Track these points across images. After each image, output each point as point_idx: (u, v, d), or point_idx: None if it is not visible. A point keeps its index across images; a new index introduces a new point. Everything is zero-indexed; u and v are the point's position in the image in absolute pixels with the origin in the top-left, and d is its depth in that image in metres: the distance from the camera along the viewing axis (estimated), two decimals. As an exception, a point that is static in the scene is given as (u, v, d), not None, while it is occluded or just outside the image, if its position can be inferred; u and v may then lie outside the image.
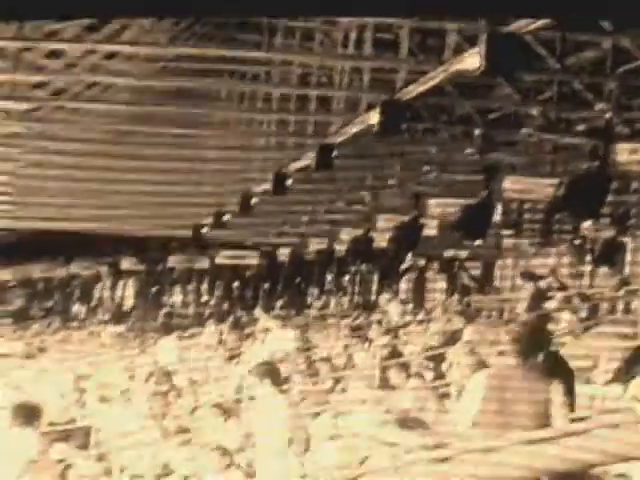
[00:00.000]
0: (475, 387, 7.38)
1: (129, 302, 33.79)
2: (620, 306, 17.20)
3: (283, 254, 21.97)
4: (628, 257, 20.69)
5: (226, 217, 23.60)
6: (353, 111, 16.86)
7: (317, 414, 11.44)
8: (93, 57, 16.41)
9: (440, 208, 18.28)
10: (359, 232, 20.90)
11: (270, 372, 10.32)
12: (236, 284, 29.61)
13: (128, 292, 34.76)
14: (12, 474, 9.23)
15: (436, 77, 14.18)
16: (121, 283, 35.04)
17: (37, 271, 34.71)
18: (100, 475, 10.78)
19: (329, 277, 23.46)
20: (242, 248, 25.36)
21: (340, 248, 21.75)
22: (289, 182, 19.06)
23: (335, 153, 17.17)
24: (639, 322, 14.51)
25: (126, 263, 32.62)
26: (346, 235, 21.18)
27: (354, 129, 16.84)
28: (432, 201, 18.60)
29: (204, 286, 32.35)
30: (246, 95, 19.14)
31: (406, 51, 14.85)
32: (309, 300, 23.26)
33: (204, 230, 25.64)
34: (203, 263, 28.75)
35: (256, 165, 20.51)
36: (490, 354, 12.64)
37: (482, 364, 11.49)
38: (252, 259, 24.01)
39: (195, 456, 10.53)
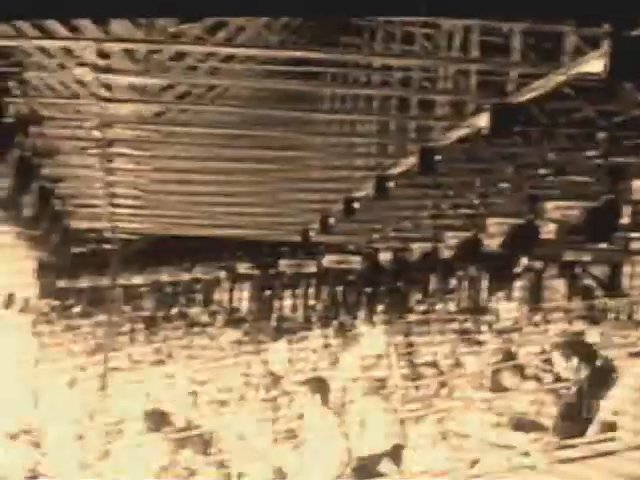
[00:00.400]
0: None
1: (244, 306, 32.87)
2: None
3: (385, 258, 20.46)
4: None
5: (330, 221, 22.33)
6: (458, 115, 15.19)
7: (421, 418, 10.15)
8: (213, 59, 15.19)
9: (559, 211, 16.48)
10: (467, 235, 19.22)
11: (320, 389, 9.37)
12: (340, 288, 28.30)
13: (244, 296, 33.89)
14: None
15: (554, 80, 12.51)
16: (237, 287, 34.16)
17: (165, 276, 34.01)
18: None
19: (434, 280, 21.83)
20: (345, 252, 23.99)
21: (446, 251, 20.06)
22: (390, 185, 17.48)
23: (439, 157, 15.54)
24: None
25: (242, 267, 31.71)
26: (453, 238, 19.53)
27: (460, 132, 15.20)
28: (550, 204, 16.80)
29: (311, 290, 31.12)
30: (348, 98, 17.68)
31: (518, 54, 13.17)
32: (412, 303, 21.70)
33: (311, 234, 24.47)
34: (311, 267, 27.53)
35: (358, 169, 19.01)
36: (618, 357, 11.05)
37: (610, 367, 9.94)
38: (355, 263, 22.61)
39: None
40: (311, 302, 30.69)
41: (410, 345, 15.76)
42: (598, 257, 20.37)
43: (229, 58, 15.25)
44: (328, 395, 9.40)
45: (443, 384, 12.19)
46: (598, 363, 9.65)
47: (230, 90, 16.61)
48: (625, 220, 17.02)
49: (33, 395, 17.79)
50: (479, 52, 14.00)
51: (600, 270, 21.59)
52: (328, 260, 25.36)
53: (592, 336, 12.14)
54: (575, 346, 9.82)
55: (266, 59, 15.29)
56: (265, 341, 21.42)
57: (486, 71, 14.73)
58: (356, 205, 19.77)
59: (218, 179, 20.06)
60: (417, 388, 12.17)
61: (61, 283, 28.85)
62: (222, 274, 33.21)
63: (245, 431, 11.97)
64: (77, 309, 31.04)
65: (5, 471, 10.22)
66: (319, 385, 9.36)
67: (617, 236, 17.71)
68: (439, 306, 21.01)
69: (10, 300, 16.65)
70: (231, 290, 33.46)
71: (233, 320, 28.37)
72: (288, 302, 31.88)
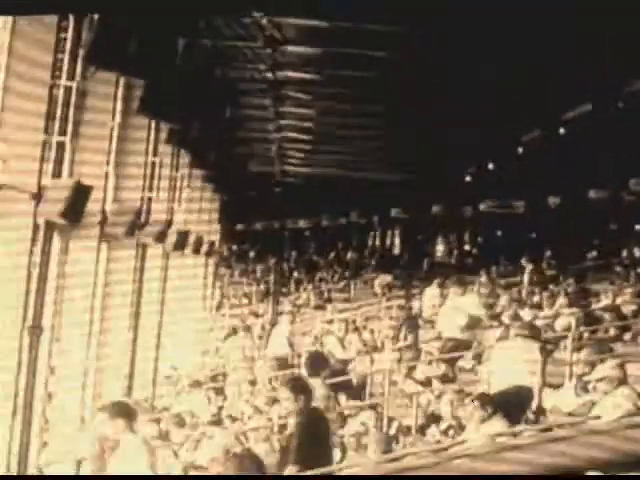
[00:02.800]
0: None
1: (396, 251, 32.68)
2: None
3: (554, 203, 19.77)
4: None
5: (491, 166, 21.82)
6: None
7: (602, 361, 9.81)
8: None
9: None
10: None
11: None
12: (499, 233, 27.69)
13: (396, 241, 33.70)
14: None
15: None
16: (389, 232, 33.98)
17: (325, 220, 34.22)
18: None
19: (613, 227, 20.89)
20: (506, 197, 23.43)
21: (629, 197, 19.10)
22: (561, 131, 16.84)
23: (618, 104, 14.78)
24: None
25: (394, 211, 31.44)
26: (636, 185, 18.59)
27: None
28: None
29: (466, 236, 30.61)
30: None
31: None
32: (585, 249, 20.94)
33: (467, 179, 23.96)
34: (466, 211, 27.03)
35: (525, 112, 18.36)
36: None
37: None
38: (518, 208, 22.00)
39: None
40: (467, 247, 30.23)
41: (584, 290, 15.28)
42: None
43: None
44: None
45: (625, 328, 11.76)
46: None
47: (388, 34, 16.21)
48: None
49: (213, 342, 18.17)
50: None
51: None
52: (487, 204, 24.84)
53: None
54: None
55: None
56: (418, 286, 21.23)
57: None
58: (521, 150, 19.23)
59: (380, 122, 19.87)
60: (594, 332, 11.77)
61: (239, 227, 29.37)
62: (375, 218, 33.12)
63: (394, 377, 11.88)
64: (252, 253, 31.59)
65: (189, 417, 10.45)
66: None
67: None
68: (618, 252, 20.17)
69: (198, 245, 17.02)
70: (383, 234, 33.36)
71: (385, 264, 28.32)
72: (442, 247, 31.52)
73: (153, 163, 13.68)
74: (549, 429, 6.89)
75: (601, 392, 8.50)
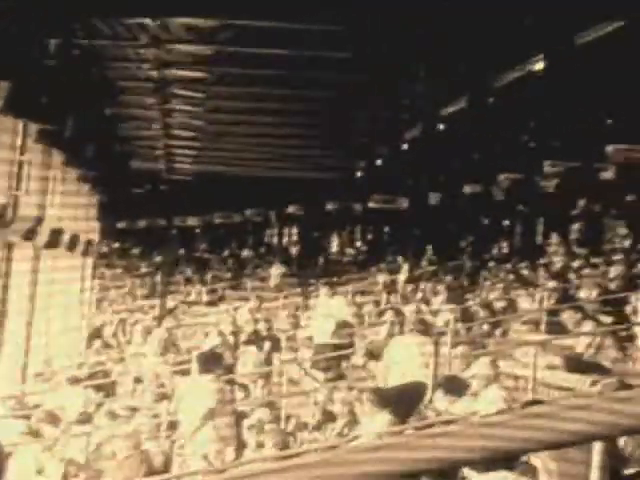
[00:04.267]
0: None
1: (293, 248, 32.61)
2: None
3: (434, 198, 20.02)
4: None
5: (377, 162, 21.95)
6: (513, 57, 14.63)
7: (476, 358, 9.84)
8: None
9: (621, 154, 15.77)
10: (520, 176, 18.63)
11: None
12: (387, 229, 27.85)
13: (292, 238, 33.62)
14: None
15: (610, 24, 11.96)
16: (286, 229, 33.89)
17: (217, 218, 33.85)
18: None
19: (486, 222, 21.32)
20: (393, 193, 23.59)
21: (498, 192, 19.48)
22: (441, 127, 17.00)
23: (493, 98, 15.04)
24: None
25: (291, 209, 31.39)
26: (505, 179, 18.91)
27: (516, 74, 14.67)
28: (611, 147, 16.08)
29: (357, 232, 30.73)
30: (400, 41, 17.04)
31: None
32: (462, 245, 21.25)
33: (358, 175, 24.06)
34: (356, 208, 27.11)
35: (408, 110, 18.51)
36: None
37: None
38: (402, 203, 22.18)
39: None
40: (358, 244, 30.32)
41: (461, 286, 15.44)
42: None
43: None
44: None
45: (496, 324, 11.87)
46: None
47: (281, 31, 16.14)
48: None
49: (94, 339, 17.78)
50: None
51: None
52: (374, 201, 24.94)
53: None
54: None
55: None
56: (314, 284, 21.18)
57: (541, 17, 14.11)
58: (405, 147, 19.40)
59: (271, 120, 19.74)
60: (469, 330, 11.86)
61: (121, 225, 28.82)
62: (271, 215, 32.96)
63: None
64: (136, 251, 31.01)
65: (63, 412, 10.17)
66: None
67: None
68: (491, 247, 20.57)
69: (73, 242, 16.55)
70: (280, 231, 33.23)
71: (282, 261, 28.20)
72: (335, 243, 31.56)
73: (21, 162, 13.24)
74: (432, 425, 6.84)
75: (476, 389, 8.51)
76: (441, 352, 9.77)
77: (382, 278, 18.97)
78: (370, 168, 22.78)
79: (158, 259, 26.76)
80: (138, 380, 13.02)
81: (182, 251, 30.15)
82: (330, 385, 10.44)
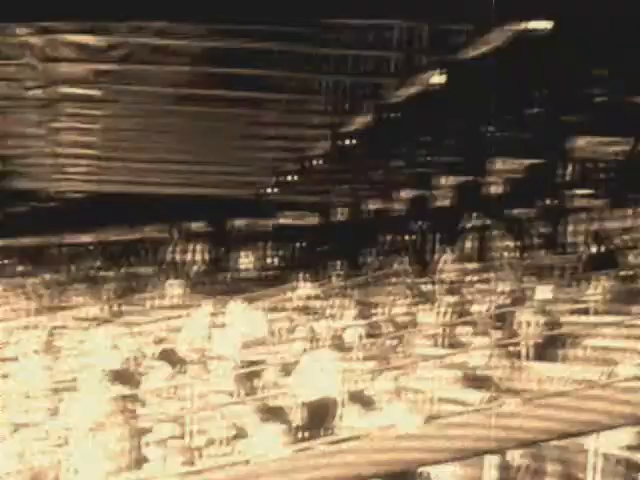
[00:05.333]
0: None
1: (198, 264, 33.24)
2: None
3: (341, 214, 21.14)
4: None
5: (286, 179, 22.89)
6: (411, 72, 15.81)
7: (379, 373, 10.77)
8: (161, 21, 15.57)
9: (506, 167, 17.19)
10: (419, 192, 19.92)
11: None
12: (297, 245, 28.88)
13: (197, 255, 34.22)
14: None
15: (498, 37, 13.18)
16: (191, 246, 34.49)
17: (113, 235, 34.24)
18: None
19: (388, 237, 22.56)
20: (301, 209, 24.64)
21: (399, 208, 20.76)
22: (347, 143, 18.12)
23: (394, 114, 16.19)
24: None
25: (195, 226, 32.07)
26: (406, 195, 20.19)
27: (413, 89, 15.84)
28: (497, 160, 17.49)
29: (268, 248, 31.65)
30: (301, 58, 18.16)
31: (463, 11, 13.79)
32: (369, 260, 22.42)
33: (266, 191, 24.92)
34: (266, 225, 28.03)
35: (314, 127, 19.57)
36: (563, 312, 11.79)
37: (555, 323, 10.68)
38: (312, 220, 23.26)
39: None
40: (268, 260, 31.22)
41: (368, 302, 16.41)
42: (543, 213, 21.14)
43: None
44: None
45: (400, 339, 12.80)
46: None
47: (178, 49, 16.98)
48: (568, 176, 17.83)
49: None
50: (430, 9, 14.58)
51: (544, 226, 22.35)
52: (284, 217, 25.88)
53: (542, 293, 12.83)
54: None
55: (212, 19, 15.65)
56: (220, 299, 21.83)
57: (436, 28, 15.31)
58: (312, 162, 20.39)
59: (169, 138, 20.49)
60: (375, 344, 12.75)
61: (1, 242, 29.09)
62: (173, 232, 33.56)
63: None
64: (20, 268, 31.23)
65: None
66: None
67: (560, 192, 18.42)
68: (393, 263, 21.79)
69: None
70: (183, 248, 33.85)
71: (185, 278, 28.84)
72: (244, 260, 32.32)
73: None
74: (342, 440, 7.48)
75: (382, 403, 9.20)
76: (350, 367, 10.52)
77: (293, 294, 19.85)
78: (279, 185, 23.75)
79: (47, 276, 27.16)
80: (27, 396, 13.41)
81: (73, 268, 30.56)
82: (241, 401, 10.94)
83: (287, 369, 12.01)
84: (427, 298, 15.16)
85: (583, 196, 20.04)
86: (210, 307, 17.01)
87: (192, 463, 9.11)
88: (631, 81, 16.42)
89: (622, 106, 17.26)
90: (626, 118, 17.30)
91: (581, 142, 16.14)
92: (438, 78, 14.11)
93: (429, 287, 16.51)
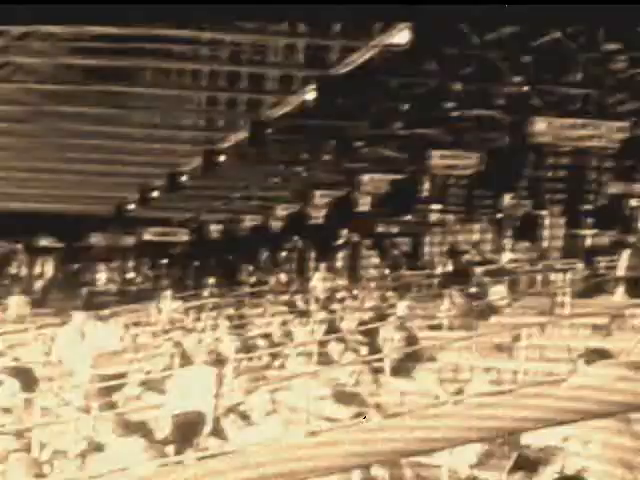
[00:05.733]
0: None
1: (46, 280, 33.13)
2: (538, 280, 17.45)
3: (215, 231, 21.86)
4: (545, 231, 21.01)
5: (154, 194, 23.35)
6: (287, 88, 16.73)
7: (254, 389, 11.33)
8: (4, 38, 16.00)
9: (372, 184, 18.30)
10: (295, 208, 20.79)
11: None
12: (164, 261, 29.32)
13: (46, 270, 34.10)
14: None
15: (367, 52, 14.14)
16: (39, 261, 34.37)
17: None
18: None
19: (265, 253, 23.39)
20: (171, 225, 25.16)
21: (276, 224, 21.62)
22: (221, 159, 18.89)
23: (269, 130, 17.04)
24: (558, 298, 14.69)
25: (44, 241, 31.97)
26: (282, 211, 21.06)
27: (288, 106, 16.75)
28: (365, 177, 18.59)
29: (129, 264, 31.93)
30: (173, 73, 18.88)
31: (338, 28, 14.79)
32: (243, 276, 23.17)
33: (130, 207, 25.30)
34: (128, 240, 28.32)
35: (185, 143, 20.29)
36: (421, 328, 12.79)
37: (413, 339, 11.62)
38: (182, 236, 23.84)
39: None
40: (129, 276, 31.47)
41: (242, 317, 17.12)
42: (403, 229, 22.34)
43: (25, 35, 16.04)
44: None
45: (275, 356, 13.54)
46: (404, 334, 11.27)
47: (26, 67, 17.32)
48: (425, 192, 19.10)
49: None
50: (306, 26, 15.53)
51: (404, 242, 23.62)
52: (150, 233, 26.28)
53: (402, 309, 13.81)
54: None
55: (72, 36, 16.16)
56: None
57: (310, 45, 16.28)
58: (183, 178, 21.00)
59: (23, 155, 20.74)
60: (250, 360, 13.42)
61: None
62: (19, 248, 33.40)
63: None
64: None
65: None
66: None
67: (419, 208, 19.59)
68: (270, 278, 22.60)
69: None
70: (30, 264, 33.71)
71: (31, 293, 28.89)
72: (102, 275, 32.40)
73: None
74: (213, 455, 7.96)
75: (256, 419, 9.84)
76: (224, 382, 11.12)
77: (160, 308, 20.31)
78: (145, 200, 24.18)
79: None
80: None
81: None
82: (96, 415, 10.90)
83: (150, 383, 12.49)
84: (301, 313, 16.00)
85: (440, 211, 21.36)
86: (63, 320, 17.22)
87: (41, 476, 9.17)
88: (483, 96, 17.79)
89: (476, 121, 18.66)
90: (479, 133, 18.72)
91: (437, 157, 17.35)
92: (311, 94, 14.95)
93: (303, 303, 17.37)
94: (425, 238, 24.03)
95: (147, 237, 26.72)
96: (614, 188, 19.80)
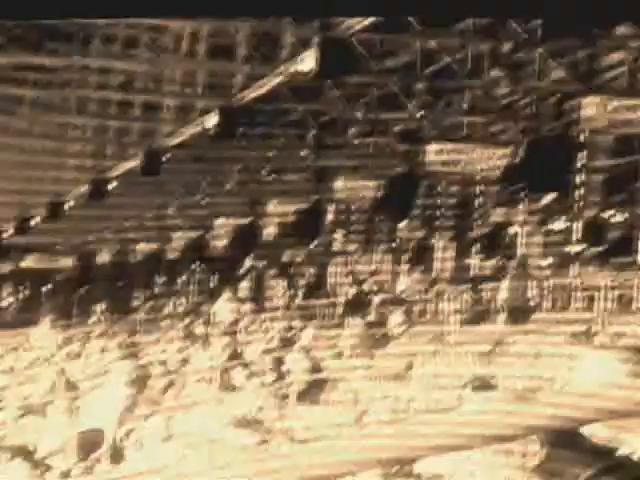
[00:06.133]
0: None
1: None
2: (430, 308, 18.39)
3: (103, 257, 22.36)
4: (436, 258, 22.03)
5: (34, 222, 23.60)
6: (186, 116, 17.33)
7: (149, 415, 11.85)
8: None
9: (277, 211, 19.03)
10: (194, 235, 21.39)
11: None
12: (45, 289, 29.49)
13: None
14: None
15: (272, 80, 14.80)
16: None
17: None
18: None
19: (160, 280, 24.06)
20: (54, 252, 25.47)
21: (173, 251, 22.23)
22: (110, 186, 19.37)
23: (165, 157, 17.63)
24: (447, 326, 15.58)
25: None
26: (180, 238, 21.69)
27: (187, 134, 17.34)
28: (270, 204, 19.30)
29: (6, 290, 31.94)
30: (55, 102, 19.28)
31: (243, 55, 15.42)
32: (137, 303, 23.72)
33: (7, 234, 25.49)
34: (3, 267, 28.46)
35: (71, 170, 20.68)
36: (325, 357, 13.57)
37: (317, 367, 12.39)
38: (66, 262, 24.16)
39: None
40: (4, 303, 31.51)
41: (134, 344, 17.63)
42: (307, 257, 23.31)
43: None
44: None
45: (172, 382, 14.12)
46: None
47: None
48: (329, 220, 20.03)
49: None
50: (207, 54, 16.21)
51: (308, 270, 24.56)
52: (30, 260, 26.45)
53: (307, 336, 14.60)
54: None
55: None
56: None
57: (213, 73, 16.94)
58: (69, 204, 21.37)
59: None
60: (146, 387, 13.93)
61: None
62: None
63: None
64: None
65: None
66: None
67: (323, 236, 20.53)
68: (166, 306, 23.19)
69: None
70: None
71: None
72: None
73: None
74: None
75: (151, 446, 10.44)
76: (127, 405, 11.62)
77: (41, 335, 20.60)
78: (22, 228, 24.41)
79: None
80: None
81: None
82: None
83: (30, 408, 12.90)
84: (201, 340, 16.65)
85: (343, 239, 22.31)
86: None
87: None
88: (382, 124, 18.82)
89: (376, 148, 19.69)
90: (380, 161, 19.75)
91: (340, 184, 18.22)
92: (213, 121, 15.59)
93: (203, 329, 18.00)
94: (328, 267, 24.94)
95: (25, 264, 26.90)
96: (497, 215, 20.96)
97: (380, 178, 18.33)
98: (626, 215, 18.91)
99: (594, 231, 18.61)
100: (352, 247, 23.41)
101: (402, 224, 20.82)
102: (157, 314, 21.68)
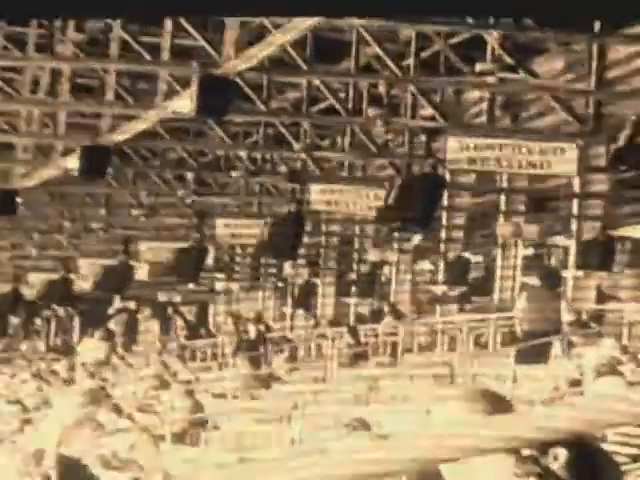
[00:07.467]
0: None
1: None
2: (313, 349, 18.60)
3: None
4: (319, 299, 22.29)
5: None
6: (45, 157, 17.26)
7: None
8: None
9: (151, 252, 18.99)
10: (55, 276, 21.35)
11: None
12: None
13: None
14: None
15: (148, 120, 14.83)
16: None
17: None
18: None
19: (15, 321, 23.94)
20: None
21: (30, 292, 22.15)
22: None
23: (21, 199, 17.50)
24: (328, 367, 15.76)
25: None
26: (37, 279, 21.59)
27: (46, 174, 17.26)
28: (143, 245, 19.26)
29: None
30: None
31: (112, 95, 15.42)
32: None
33: None
34: None
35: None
36: (205, 396, 13.50)
37: (198, 406, 12.28)
38: None
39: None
40: None
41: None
42: (188, 297, 23.44)
43: None
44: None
45: (28, 421, 13.82)
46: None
47: None
48: (210, 260, 20.12)
49: None
50: (70, 94, 16.05)
51: (188, 310, 24.70)
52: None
53: (184, 375, 14.52)
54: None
55: None
56: None
57: (78, 113, 16.90)
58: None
59: None
60: None
61: None
62: None
63: None
64: None
65: None
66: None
67: (204, 276, 20.65)
68: (23, 346, 22.92)
69: None
70: None
71: None
72: None
73: None
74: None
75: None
76: None
77: None
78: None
79: None
80: None
81: None
82: None
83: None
84: (64, 381, 16.40)
85: (226, 280, 22.41)
86: None
87: None
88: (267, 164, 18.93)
89: (260, 189, 19.80)
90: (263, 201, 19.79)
91: (222, 225, 18.27)
92: (75, 162, 15.41)
93: (65, 370, 17.72)
94: (210, 306, 25.06)
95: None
96: (373, 256, 21.35)
97: (265, 217, 18.50)
98: (483, 256, 19.47)
99: (456, 271, 19.06)
100: (235, 286, 23.52)
101: (287, 265, 20.98)
102: (11, 354, 21.54)
